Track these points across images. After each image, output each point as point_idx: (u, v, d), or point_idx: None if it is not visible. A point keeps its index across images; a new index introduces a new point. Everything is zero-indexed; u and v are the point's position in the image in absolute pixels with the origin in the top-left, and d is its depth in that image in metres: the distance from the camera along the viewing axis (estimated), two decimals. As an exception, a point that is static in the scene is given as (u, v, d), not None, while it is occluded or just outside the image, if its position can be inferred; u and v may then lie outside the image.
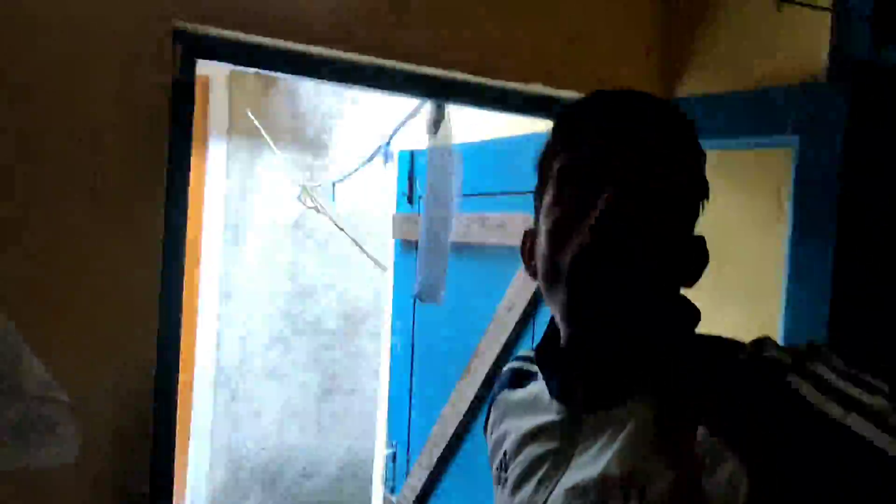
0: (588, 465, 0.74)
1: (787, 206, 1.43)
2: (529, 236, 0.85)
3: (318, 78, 1.47)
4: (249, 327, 3.86)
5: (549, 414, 0.82)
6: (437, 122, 1.63)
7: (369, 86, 1.53)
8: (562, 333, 0.80)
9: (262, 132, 3.76)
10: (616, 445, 0.72)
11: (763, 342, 0.72)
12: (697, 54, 1.66)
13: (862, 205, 1.35)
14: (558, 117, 0.80)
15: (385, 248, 4.05)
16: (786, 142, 1.43)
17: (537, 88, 1.63)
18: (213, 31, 1.34)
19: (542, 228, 0.78)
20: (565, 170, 0.75)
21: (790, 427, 0.62)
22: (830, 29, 1.41)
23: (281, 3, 1.37)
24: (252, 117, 3.75)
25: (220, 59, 1.40)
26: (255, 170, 3.86)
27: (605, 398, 0.76)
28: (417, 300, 1.74)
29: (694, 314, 0.80)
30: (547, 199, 0.78)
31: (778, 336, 1.41)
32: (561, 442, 0.79)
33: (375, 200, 4.11)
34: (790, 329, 1.41)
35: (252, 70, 1.46)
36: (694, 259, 0.80)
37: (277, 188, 3.89)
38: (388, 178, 3.91)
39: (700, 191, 0.79)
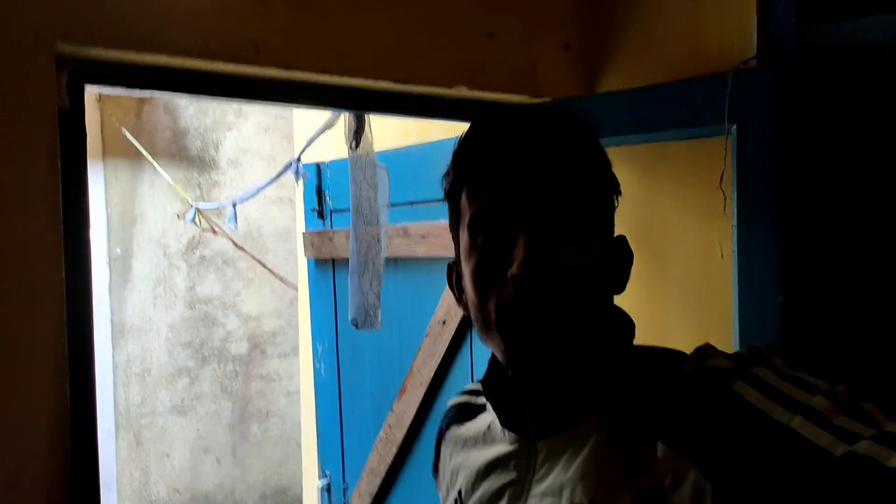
0: (550, 494, 0.72)
1: (731, 195, 1.40)
2: (454, 269, 0.84)
3: (227, 97, 1.32)
4: (148, 362, 3.60)
5: (503, 445, 0.80)
6: (357, 134, 1.51)
7: (284, 101, 1.39)
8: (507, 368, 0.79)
9: (142, 151, 3.49)
10: (577, 470, 0.71)
11: (704, 350, 0.75)
12: (621, 47, 1.62)
13: (806, 187, 1.35)
14: (456, 152, 0.79)
15: (287, 264, 3.86)
16: (723, 130, 1.41)
17: (461, 92, 1.53)
18: (102, 52, 1.17)
19: (465, 271, 0.77)
20: (476, 218, 0.74)
21: (743, 434, 0.64)
22: (756, 12, 1.40)
23: (177, 18, 1.21)
24: (129, 136, 3.47)
25: (112, 83, 1.22)
26: (138, 192, 3.59)
27: (556, 423, 0.75)
28: (352, 327, 1.62)
29: (628, 326, 0.80)
30: (464, 240, 0.77)
31: (734, 330, 1.39)
32: (517, 472, 0.77)
33: (273, 214, 3.91)
34: (745, 322, 1.39)
35: (148, 93, 1.28)
36: (619, 261, 0.80)
37: (165, 210, 3.63)
38: (286, 189, 3.72)
39: (611, 190, 0.79)
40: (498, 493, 0.77)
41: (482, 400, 0.88)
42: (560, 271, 0.70)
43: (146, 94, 1.29)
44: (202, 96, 1.33)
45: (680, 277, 1.52)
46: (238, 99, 1.35)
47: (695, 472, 0.64)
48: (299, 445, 3.09)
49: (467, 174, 0.77)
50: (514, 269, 0.69)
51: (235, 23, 1.27)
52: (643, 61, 1.57)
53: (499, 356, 0.78)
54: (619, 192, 0.80)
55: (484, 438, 0.83)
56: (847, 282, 1.34)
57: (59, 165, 1.15)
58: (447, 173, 0.81)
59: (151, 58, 1.21)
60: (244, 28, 1.28)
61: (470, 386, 0.96)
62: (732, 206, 1.41)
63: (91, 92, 1.25)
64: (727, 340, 1.40)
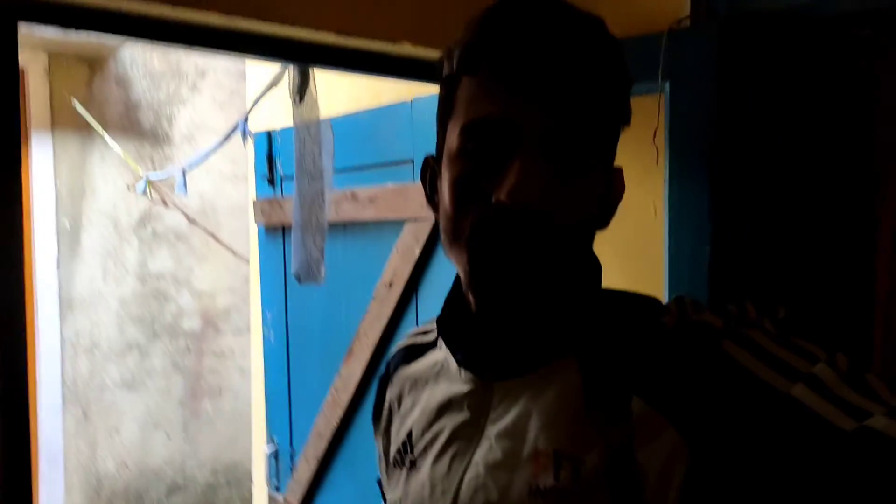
0: (507, 437, 0.68)
1: (664, 150, 1.45)
2: (430, 165, 0.76)
3: (164, 41, 1.32)
4: (97, 337, 3.55)
5: (458, 385, 0.74)
6: (301, 89, 1.51)
7: (223, 49, 1.39)
8: (471, 300, 0.72)
9: (92, 123, 3.43)
10: (540, 415, 0.66)
11: (683, 302, 0.69)
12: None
13: (734, 142, 1.39)
14: (467, 33, 0.67)
15: (242, 237, 3.84)
16: (657, 88, 1.45)
17: (405, 48, 1.55)
18: (37, -13, 1.16)
19: (445, 174, 0.70)
20: (474, 124, 0.66)
21: (733, 398, 0.59)
22: (690, -26, 1.44)
23: (115, -44, 1.21)
24: (78, 107, 3.41)
25: (47, 21, 1.21)
26: (88, 166, 3.53)
27: (517, 364, 0.70)
28: (295, 282, 1.63)
29: (596, 266, 0.75)
30: (451, 139, 0.69)
31: (664, 279, 1.43)
32: (471, 413, 0.72)
33: (227, 190, 3.88)
34: (674, 272, 1.43)
35: (84, 34, 1.27)
36: (611, 197, 0.74)
37: (116, 184, 3.58)
38: (240, 164, 3.70)
39: (624, 120, 0.71)
40: (453, 433, 0.73)
41: (430, 338, 0.84)
42: (546, 215, 0.63)
43: (82, 35, 1.28)
44: (142, 39, 1.33)
45: (614, 230, 1.56)
46: (177, 44, 1.35)
47: (671, 431, 0.59)
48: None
49: (473, 67, 0.66)
50: (501, 195, 0.62)
51: (174, -35, 1.27)
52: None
53: (461, 273, 0.72)
54: (627, 123, 0.72)
55: (436, 377, 0.78)
56: (770, 233, 1.39)
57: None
58: (448, 53, 0.69)
59: (88, -3, 1.21)
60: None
61: (415, 329, 0.91)
62: (665, 160, 1.46)
63: (24, 57, 1.23)
64: (657, 292, 1.44)
